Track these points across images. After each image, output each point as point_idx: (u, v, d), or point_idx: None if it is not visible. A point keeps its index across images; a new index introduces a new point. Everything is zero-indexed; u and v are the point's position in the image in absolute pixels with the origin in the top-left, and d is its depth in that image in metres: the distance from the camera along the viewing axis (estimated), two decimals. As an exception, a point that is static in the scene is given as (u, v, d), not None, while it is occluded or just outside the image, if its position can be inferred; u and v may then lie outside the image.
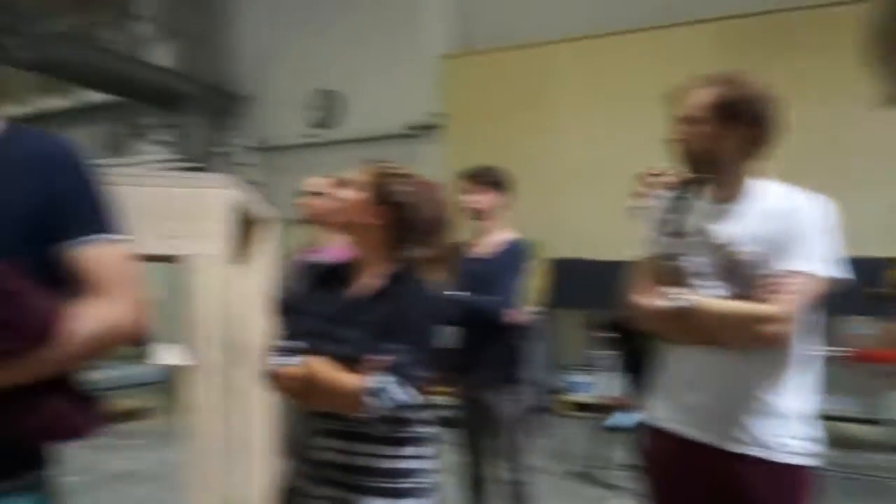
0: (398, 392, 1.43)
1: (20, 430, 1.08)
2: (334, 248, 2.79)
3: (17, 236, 1.10)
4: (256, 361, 2.02)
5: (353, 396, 1.45)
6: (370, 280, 1.60)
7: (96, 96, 7.88)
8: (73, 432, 1.14)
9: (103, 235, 1.16)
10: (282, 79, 7.71)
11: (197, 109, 7.72)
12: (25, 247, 1.10)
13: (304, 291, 1.68)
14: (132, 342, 1.23)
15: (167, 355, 1.55)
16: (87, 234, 1.15)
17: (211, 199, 1.61)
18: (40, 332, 1.04)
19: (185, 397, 1.77)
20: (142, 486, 3.98)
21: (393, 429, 1.49)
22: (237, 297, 1.80)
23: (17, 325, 1.01)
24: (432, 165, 6.40)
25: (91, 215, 1.17)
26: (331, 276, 1.67)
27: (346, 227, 1.64)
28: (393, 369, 1.45)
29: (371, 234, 1.59)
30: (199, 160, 7.70)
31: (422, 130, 7.03)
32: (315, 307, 1.60)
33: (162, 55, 7.75)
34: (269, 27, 7.82)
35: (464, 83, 6.68)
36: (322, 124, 7.59)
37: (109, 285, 1.15)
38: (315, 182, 2.87)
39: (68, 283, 1.16)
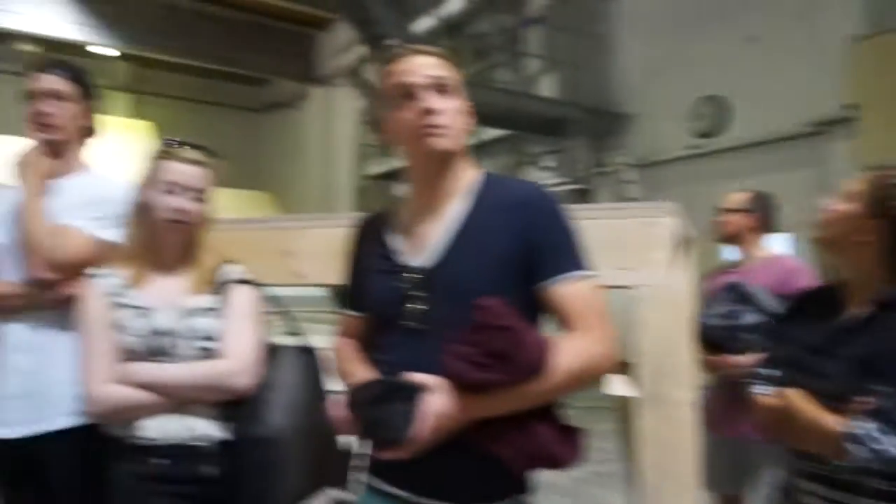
0: (887, 443, 1.20)
1: (511, 457, 1.16)
2: (751, 268, 2.57)
3: (502, 276, 1.21)
4: (689, 389, 1.94)
5: (832, 440, 1.26)
6: (860, 307, 1.39)
7: (493, 132, 8.73)
8: (557, 461, 1.18)
9: (577, 272, 1.21)
10: (663, 92, 7.57)
11: (580, 133, 8.02)
12: (510, 285, 1.20)
13: (786, 317, 1.55)
14: (607, 373, 1.25)
15: (617, 385, 1.57)
16: (564, 272, 1.21)
17: (657, 229, 1.58)
18: (534, 365, 1.11)
19: (629, 425, 1.77)
20: (562, 499, 4.15)
21: (893, 484, 1.26)
22: (674, 324, 1.74)
23: (514, 359, 1.09)
24: (843, 165, 5.61)
25: (566, 254, 1.22)
26: (816, 301, 1.50)
27: (831, 244, 1.45)
28: (877, 415, 1.23)
29: (863, 253, 1.38)
30: (584, 181, 7.98)
31: (826, 127, 6.21)
32: (796, 334, 1.45)
33: (546, 86, 8.26)
34: (648, 44, 7.77)
35: (879, 67, 5.73)
36: (706, 133, 7.23)
37: (586, 320, 1.19)
38: (734, 198, 2.69)
39: (547, 319, 1.23)
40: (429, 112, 1.22)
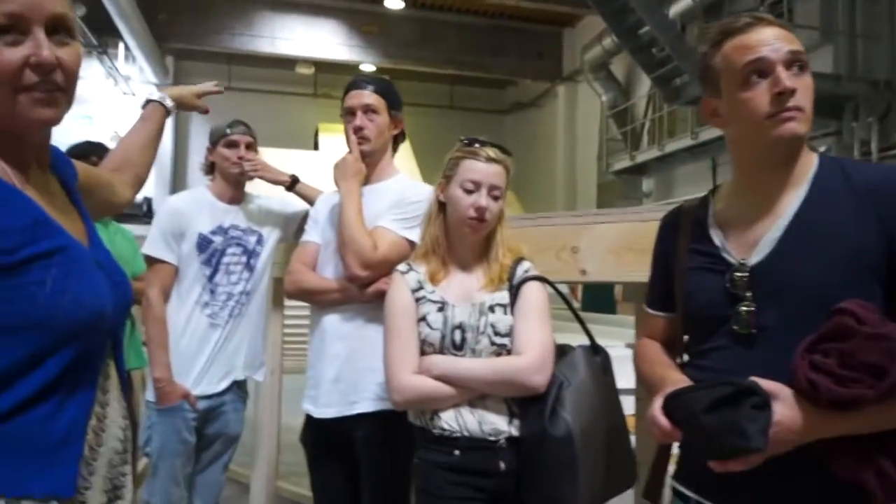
0: None
1: (877, 485, 1.00)
2: None
3: (851, 275, 1.05)
4: None
5: None
6: None
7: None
8: None
9: None
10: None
11: (861, 112, 7.03)
12: (861, 286, 1.04)
13: None
14: None
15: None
16: None
17: None
18: None
19: None
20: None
21: None
22: None
23: (890, 373, 0.94)
24: None
25: None
26: None
27: None
28: None
29: None
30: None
31: None
32: None
33: (820, 61, 7.35)
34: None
35: None
36: None
37: None
38: None
39: None
40: (788, 93, 1.08)
